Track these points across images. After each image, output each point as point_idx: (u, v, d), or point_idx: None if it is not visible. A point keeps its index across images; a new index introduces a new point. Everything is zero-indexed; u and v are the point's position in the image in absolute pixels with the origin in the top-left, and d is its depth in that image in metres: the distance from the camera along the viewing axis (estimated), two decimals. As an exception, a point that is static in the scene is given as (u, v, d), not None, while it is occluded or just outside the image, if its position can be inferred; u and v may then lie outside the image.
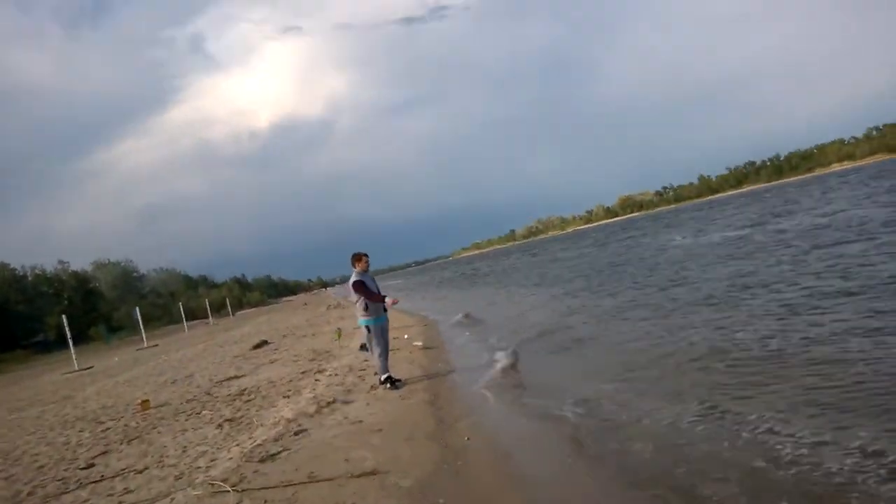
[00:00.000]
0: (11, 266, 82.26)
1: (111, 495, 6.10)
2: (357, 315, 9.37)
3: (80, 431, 10.26)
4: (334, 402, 8.69)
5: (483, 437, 6.15)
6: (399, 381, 9.28)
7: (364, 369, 11.09)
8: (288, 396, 9.80)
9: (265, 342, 21.08)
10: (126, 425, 9.94)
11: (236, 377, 13.39)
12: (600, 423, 5.97)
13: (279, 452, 6.48)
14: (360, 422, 7.33)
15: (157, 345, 40.11)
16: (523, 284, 27.95)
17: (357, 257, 9.23)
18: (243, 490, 5.45)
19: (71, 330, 29.17)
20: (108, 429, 9.97)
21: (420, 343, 13.25)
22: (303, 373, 12.01)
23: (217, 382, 13.05)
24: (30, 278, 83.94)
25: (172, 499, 5.59)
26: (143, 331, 42.61)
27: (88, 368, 28.00)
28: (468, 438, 6.07)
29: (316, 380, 10.87)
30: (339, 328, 10.26)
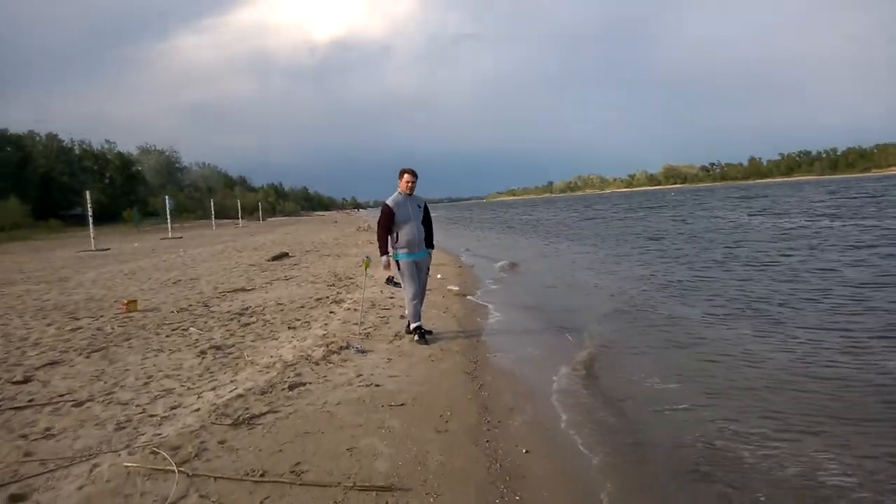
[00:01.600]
0: (60, 137, 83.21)
1: (23, 436, 4.42)
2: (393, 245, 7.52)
3: (47, 325, 8.71)
4: (348, 347, 6.92)
5: (550, 460, 4.13)
6: (429, 332, 7.48)
7: (389, 308, 9.32)
8: (294, 328, 8.08)
9: (286, 254, 19.51)
10: (99, 329, 8.34)
11: (244, 290, 11.76)
12: (740, 477, 3.94)
13: (262, 414, 4.73)
14: (377, 386, 5.53)
15: (181, 237, 39.16)
16: (577, 240, 25.49)
17: (399, 174, 7.34)
18: (193, 474, 3.71)
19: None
20: (78, 329, 8.39)
21: (456, 287, 11.42)
22: (318, 299, 10.29)
23: (221, 293, 11.42)
24: (77, 152, 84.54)
25: (95, 465, 3.88)
26: (169, 221, 41.51)
27: (105, 250, 26.88)
28: (526, 452, 4.21)
29: (331, 312, 9.13)
30: (367, 256, 8.28)
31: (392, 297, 10.06)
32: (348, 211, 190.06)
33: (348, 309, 9.26)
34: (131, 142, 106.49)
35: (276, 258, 18.23)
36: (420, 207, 7.40)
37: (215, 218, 72.60)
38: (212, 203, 59.20)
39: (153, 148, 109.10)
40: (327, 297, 10.46)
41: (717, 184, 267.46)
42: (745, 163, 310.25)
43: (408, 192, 7.22)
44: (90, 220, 28.21)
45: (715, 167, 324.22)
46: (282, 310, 9.41)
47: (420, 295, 7.43)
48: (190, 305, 10.07)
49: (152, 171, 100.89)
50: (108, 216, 72.47)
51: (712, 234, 22.22)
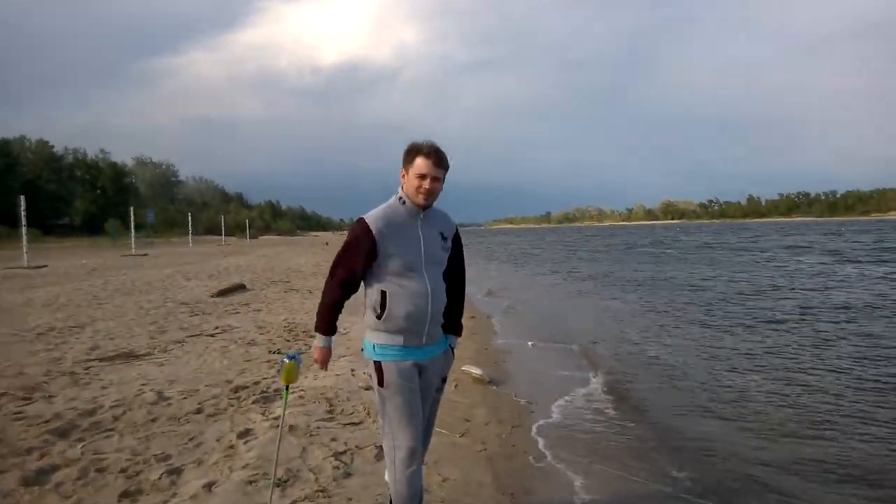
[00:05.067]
0: (51, 144, 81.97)
1: None
2: (366, 319, 3.03)
3: None
4: None
5: None
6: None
7: (357, 424, 4.86)
8: (133, 493, 3.61)
9: (241, 286, 15.03)
10: None
11: (132, 356, 7.28)
12: None
13: None
14: None
15: (146, 254, 34.67)
16: (620, 286, 19.19)
17: (407, 155, 2.92)
18: None
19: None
20: None
21: (477, 370, 6.88)
22: (237, 390, 5.79)
23: (91, 362, 6.95)
24: (70, 160, 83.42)
25: None
26: (133, 237, 36.99)
27: (38, 267, 22.34)
28: None
29: (244, 432, 4.65)
30: (285, 356, 3.36)
31: (368, 389, 5.64)
32: (343, 232, 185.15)
33: (282, 413, 4.77)
34: (136, 154, 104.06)
35: (224, 292, 13.73)
36: (445, 238, 3.06)
37: (203, 234, 68.65)
38: (189, 218, 54.60)
39: (149, 160, 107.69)
40: (255, 385, 5.98)
41: (715, 221, 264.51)
42: (744, 201, 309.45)
43: (422, 200, 2.90)
44: (23, 229, 23.62)
45: (713, 204, 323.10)
46: (153, 419, 4.94)
47: (420, 449, 2.99)
48: (4, 393, 5.59)
49: (146, 184, 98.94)
50: (97, 226, 69.56)
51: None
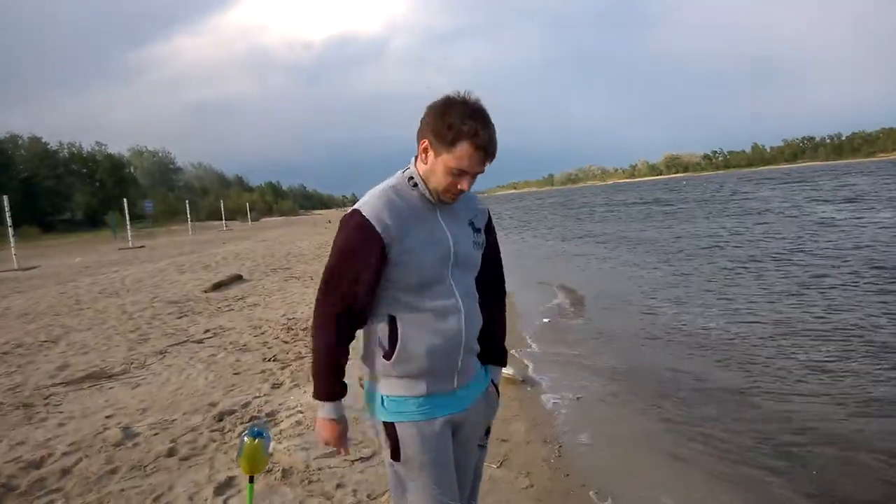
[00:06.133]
0: (44, 140, 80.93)
1: None
2: (363, 358, 1.99)
3: None
4: None
5: None
6: None
7: (358, 423, 3.85)
8: None
9: (238, 277, 13.98)
10: None
11: (103, 376, 6.26)
12: None
13: None
14: None
15: (142, 246, 33.68)
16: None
17: (444, 129, 1.75)
18: None
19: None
20: None
21: (509, 370, 5.83)
22: (219, 421, 4.76)
23: (43, 389, 5.91)
24: (66, 155, 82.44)
25: None
26: (129, 229, 35.97)
27: (29, 269, 21.35)
28: None
29: (225, 482, 3.63)
30: (245, 435, 2.23)
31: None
32: (346, 209, 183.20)
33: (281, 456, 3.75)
34: (131, 144, 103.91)
35: (218, 286, 12.68)
36: (477, 229, 2.00)
37: (205, 221, 67.84)
38: (187, 205, 53.50)
39: (145, 149, 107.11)
40: (244, 408, 4.94)
41: (720, 172, 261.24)
42: (748, 150, 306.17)
43: (450, 199, 1.88)
44: (10, 230, 22.60)
45: (717, 155, 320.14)
46: (112, 470, 3.91)
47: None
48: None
49: (145, 173, 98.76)
50: (99, 220, 69.01)
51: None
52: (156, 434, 4.51)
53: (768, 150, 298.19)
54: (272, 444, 2.31)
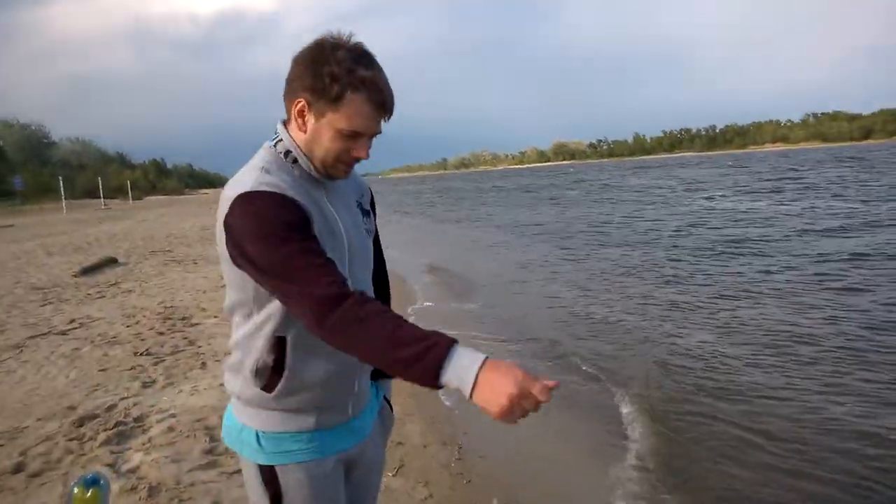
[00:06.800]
0: None
1: None
2: (231, 384, 1.54)
3: None
4: None
5: None
6: None
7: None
8: None
9: (112, 260, 12.96)
10: None
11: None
12: None
13: None
14: None
15: (11, 225, 30.95)
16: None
17: (326, 79, 1.34)
18: None
19: None
20: None
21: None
22: (78, 427, 4.22)
23: None
24: None
25: None
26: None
27: None
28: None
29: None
30: (75, 484, 1.77)
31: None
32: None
33: (148, 451, 3.32)
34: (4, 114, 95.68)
35: (90, 269, 11.67)
36: (366, 212, 1.62)
37: (83, 199, 63.28)
38: (61, 182, 49.74)
39: (15, 121, 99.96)
40: (108, 412, 4.42)
41: (605, 160, 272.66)
42: (630, 139, 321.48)
43: (342, 173, 1.47)
44: None
45: (602, 144, 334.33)
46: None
47: None
48: None
49: (15, 147, 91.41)
50: None
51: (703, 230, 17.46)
52: (1, 446, 3.95)
53: (649, 140, 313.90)
54: (110, 494, 1.79)
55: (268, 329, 1.41)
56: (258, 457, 1.48)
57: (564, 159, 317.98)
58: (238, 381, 1.50)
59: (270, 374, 1.43)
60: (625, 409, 4.49)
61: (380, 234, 1.76)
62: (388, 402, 1.83)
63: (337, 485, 1.56)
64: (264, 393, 1.45)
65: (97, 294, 9.33)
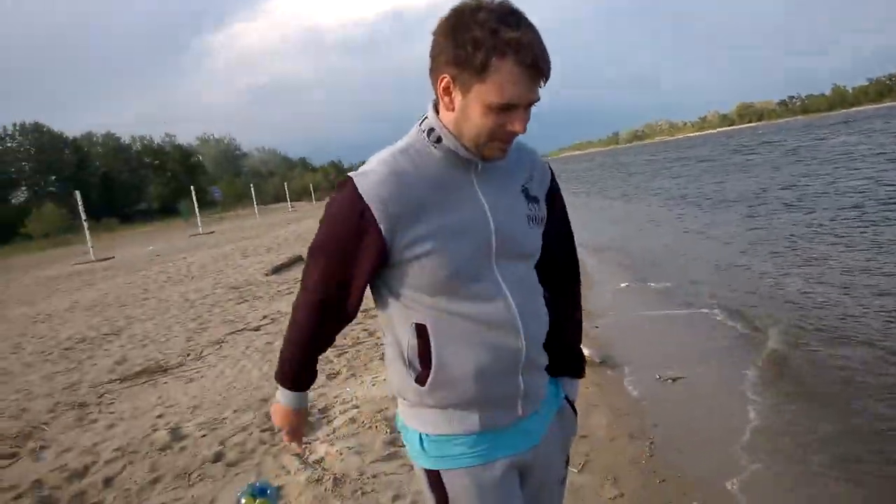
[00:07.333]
0: (117, 135, 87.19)
1: None
2: (391, 381, 1.46)
3: None
4: None
5: None
6: None
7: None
8: None
9: (300, 259, 13.84)
10: None
11: (159, 370, 6.05)
12: None
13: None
14: None
15: (212, 232, 34.39)
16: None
17: (470, 47, 1.16)
18: None
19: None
20: None
21: (585, 350, 5.31)
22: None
23: (98, 387, 5.75)
24: (139, 148, 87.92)
25: None
26: (198, 216, 36.83)
27: (105, 260, 22.03)
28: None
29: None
30: (242, 494, 1.69)
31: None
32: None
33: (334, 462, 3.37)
34: (199, 132, 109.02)
35: (280, 268, 12.54)
36: (532, 197, 1.41)
37: (274, 203, 69.61)
38: (252, 189, 54.68)
39: (211, 137, 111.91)
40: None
41: (799, 117, 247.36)
42: (828, 92, 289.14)
43: (499, 153, 1.29)
44: (85, 224, 23.32)
45: (794, 100, 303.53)
46: (156, 479, 3.61)
47: None
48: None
49: (213, 161, 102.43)
50: (172, 209, 72.07)
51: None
52: (203, 435, 4.21)
53: (850, 91, 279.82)
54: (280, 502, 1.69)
55: (407, 316, 1.34)
56: (423, 460, 1.42)
57: (751, 121, 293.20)
58: (396, 376, 1.42)
59: (421, 363, 1.34)
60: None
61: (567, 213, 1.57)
62: (571, 403, 1.59)
63: (509, 492, 1.40)
64: (419, 386, 1.36)
65: (286, 290, 9.93)
